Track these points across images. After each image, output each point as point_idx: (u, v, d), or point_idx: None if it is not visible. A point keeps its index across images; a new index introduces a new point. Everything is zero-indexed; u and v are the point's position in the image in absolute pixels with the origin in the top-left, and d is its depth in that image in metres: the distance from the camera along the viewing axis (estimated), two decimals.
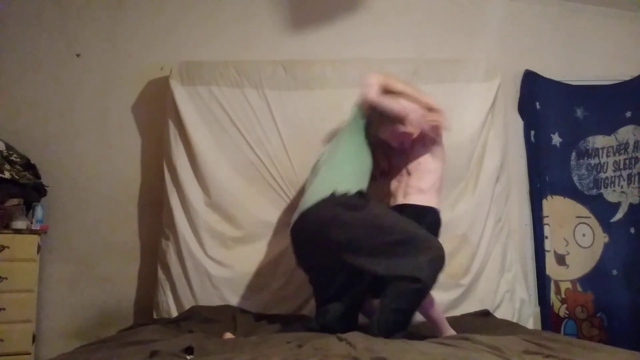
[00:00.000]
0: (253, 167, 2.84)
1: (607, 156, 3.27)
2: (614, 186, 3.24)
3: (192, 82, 2.86)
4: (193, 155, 2.80)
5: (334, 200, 2.14)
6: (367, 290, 2.32)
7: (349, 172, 2.28)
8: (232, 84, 2.88)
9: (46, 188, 2.85)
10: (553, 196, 3.18)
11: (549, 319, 3.03)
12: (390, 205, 2.45)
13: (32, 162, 2.84)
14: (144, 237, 2.97)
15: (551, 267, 3.10)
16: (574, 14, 3.37)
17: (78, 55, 3.09)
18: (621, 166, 3.26)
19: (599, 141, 3.28)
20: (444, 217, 2.48)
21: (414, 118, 2.35)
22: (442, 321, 2.27)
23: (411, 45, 3.19)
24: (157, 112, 2.98)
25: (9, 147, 2.79)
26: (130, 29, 3.12)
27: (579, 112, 3.28)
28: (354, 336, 1.75)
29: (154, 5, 3.15)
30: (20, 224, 2.64)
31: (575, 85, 3.28)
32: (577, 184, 3.24)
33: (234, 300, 2.72)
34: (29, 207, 2.76)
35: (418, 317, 2.53)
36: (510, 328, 2.38)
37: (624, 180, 3.24)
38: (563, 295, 3.11)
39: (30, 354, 2.56)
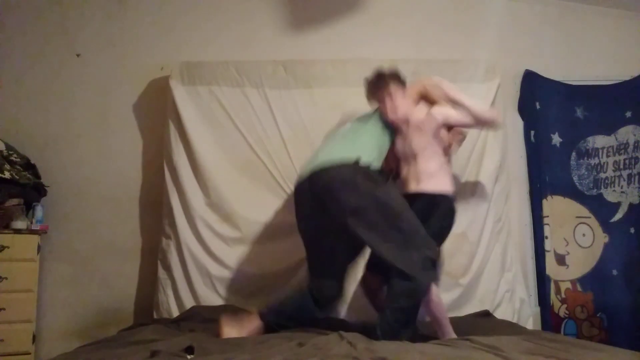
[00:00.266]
0: (253, 166, 2.84)
1: (607, 156, 3.27)
2: (614, 186, 3.24)
3: (193, 82, 2.87)
4: (193, 155, 2.80)
5: (356, 167, 2.16)
6: (380, 285, 2.34)
7: (373, 148, 2.31)
8: (233, 83, 2.88)
9: (46, 188, 2.85)
10: (553, 196, 3.18)
11: (549, 319, 3.03)
12: (404, 192, 2.41)
13: (32, 162, 2.84)
14: (144, 237, 2.97)
15: (551, 267, 3.10)
16: (574, 14, 3.37)
17: (78, 55, 3.09)
18: (621, 166, 3.26)
19: (599, 141, 3.28)
20: None
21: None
22: (445, 324, 2.27)
23: (411, 45, 3.19)
24: (157, 112, 2.98)
25: (9, 147, 2.80)
26: (130, 29, 3.12)
27: (579, 112, 3.28)
28: (355, 336, 1.75)
29: (154, 5, 3.15)
30: (20, 224, 2.64)
31: (575, 85, 3.28)
32: (577, 184, 3.24)
33: (234, 300, 2.72)
34: (29, 207, 2.76)
35: (420, 316, 2.54)
36: (510, 328, 2.39)
37: (624, 180, 3.24)
38: (563, 295, 3.11)
39: (30, 354, 2.56)
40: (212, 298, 2.72)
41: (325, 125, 2.77)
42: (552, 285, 3.09)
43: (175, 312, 2.68)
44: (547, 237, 3.12)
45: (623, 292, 3.11)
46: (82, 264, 2.91)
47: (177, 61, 2.93)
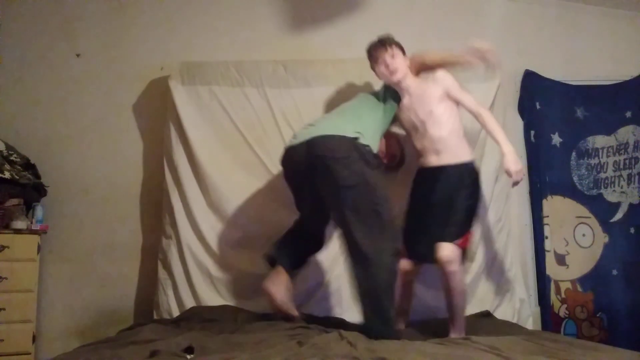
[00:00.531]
0: (254, 166, 2.84)
1: (607, 156, 3.27)
2: (614, 186, 3.24)
3: (193, 82, 2.87)
4: (193, 155, 2.80)
5: (354, 144, 2.19)
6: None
7: (373, 130, 2.34)
8: (233, 83, 2.88)
9: (46, 188, 2.85)
10: (553, 196, 3.18)
11: (549, 319, 3.04)
12: (423, 166, 2.43)
13: (32, 162, 2.84)
14: (144, 236, 2.97)
15: (551, 267, 3.10)
16: (574, 14, 3.37)
17: (78, 55, 3.08)
18: (621, 166, 3.26)
19: (599, 141, 3.28)
20: None
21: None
22: (459, 317, 2.28)
23: (411, 45, 3.16)
24: (157, 112, 2.97)
25: (9, 147, 2.79)
26: (130, 29, 3.12)
27: (579, 112, 3.28)
28: (355, 336, 1.75)
29: (154, 5, 3.15)
30: (20, 224, 2.64)
31: (575, 85, 3.28)
32: (577, 184, 3.24)
33: (235, 300, 2.72)
34: (29, 207, 2.76)
35: (421, 316, 2.55)
36: (510, 328, 2.39)
37: (624, 180, 3.25)
38: (563, 295, 3.11)
39: (30, 354, 2.56)
40: (213, 298, 2.71)
41: None
42: (552, 285, 3.09)
43: (175, 312, 2.67)
44: (547, 237, 3.12)
45: (623, 292, 3.11)
46: (82, 264, 2.91)
47: (177, 61, 2.93)
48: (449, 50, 2.46)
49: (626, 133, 3.28)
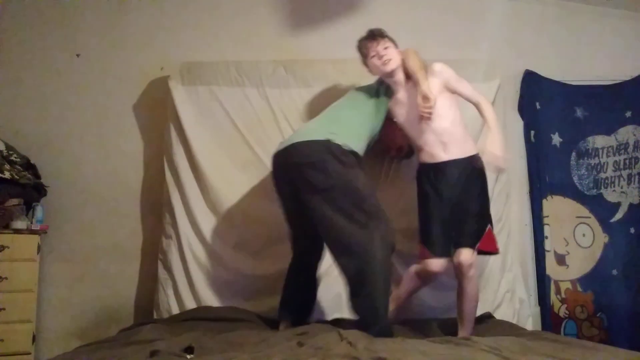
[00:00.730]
0: (253, 166, 2.84)
1: (607, 156, 3.27)
2: (614, 186, 3.24)
3: (193, 82, 2.87)
4: (194, 155, 2.80)
5: (326, 146, 2.18)
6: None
7: (353, 129, 2.32)
8: (233, 83, 2.88)
9: (46, 188, 2.85)
10: (553, 196, 3.18)
11: (549, 319, 3.03)
12: (428, 162, 2.38)
13: (32, 162, 2.84)
14: (144, 237, 2.97)
15: (551, 267, 3.10)
16: (574, 14, 3.37)
17: (78, 55, 3.09)
18: (621, 166, 3.26)
19: (599, 141, 3.28)
20: None
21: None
22: (468, 321, 2.29)
23: (411, 45, 3.18)
24: (158, 112, 2.97)
25: (9, 147, 2.79)
26: (130, 29, 3.12)
27: (579, 112, 3.28)
28: (354, 335, 1.75)
29: (154, 5, 3.15)
30: (20, 224, 2.65)
31: (575, 85, 3.28)
32: (577, 184, 3.24)
33: (235, 301, 2.71)
34: (29, 207, 2.76)
35: (420, 315, 2.54)
36: (511, 329, 2.39)
37: (624, 180, 3.24)
38: (563, 295, 3.11)
39: (30, 354, 2.56)
40: (213, 298, 2.71)
41: None
42: (552, 285, 3.09)
43: (176, 312, 2.67)
44: (547, 237, 3.12)
45: (623, 292, 3.11)
46: (82, 264, 2.91)
47: (177, 61, 2.93)
48: (424, 70, 2.39)
49: (626, 133, 3.28)
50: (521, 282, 2.98)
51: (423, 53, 3.14)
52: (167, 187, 2.82)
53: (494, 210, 2.89)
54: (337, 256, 2.14)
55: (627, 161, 3.26)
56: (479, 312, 2.70)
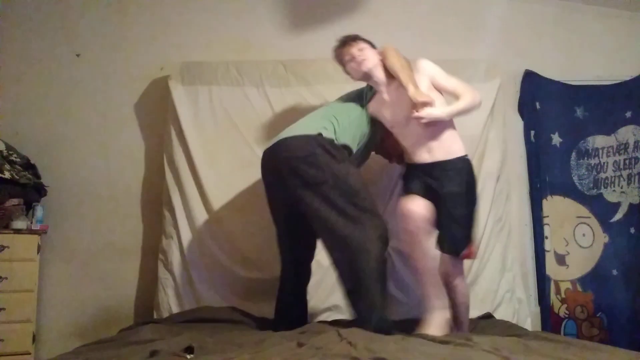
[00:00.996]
0: (254, 166, 2.84)
1: (607, 156, 3.27)
2: (614, 186, 3.24)
3: (193, 82, 2.87)
4: (194, 155, 2.80)
5: (317, 140, 2.17)
6: None
7: (344, 126, 2.29)
8: (233, 83, 2.89)
9: (46, 188, 2.85)
10: (553, 196, 3.18)
11: (549, 319, 3.04)
12: (415, 162, 2.27)
13: (32, 162, 2.84)
14: (144, 236, 2.97)
15: (551, 267, 3.10)
16: (574, 14, 3.37)
17: (78, 55, 3.09)
18: (621, 166, 3.26)
19: (599, 141, 3.28)
20: None
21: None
22: (462, 324, 2.28)
23: (411, 45, 3.18)
24: (158, 112, 2.98)
25: (9, 147, 2.79)
26: (130, 29, 3.13)
27: (579, 112, 3.28)
28: (354, 335, 1.75)
29: (154, 5, 3.15)
30: (20, 224, 2.65)
31: (575, 85, 3.28)
32: (577, 184, 3.24)
33: (235, 301, 2.71)
34: (29, 207, 2.76)
35: (420, 315, 2.53)
36: (511, 329, 2.39)
37: (624, 180, 3.24)
38: (563, 295, 3.11)
39: (30, 354, 2.56)
40: (213, 298, 2.71)
41: None
42: (552, 285, 3.09)
43: (175, 312, 2.67)
44: (547, 237, 3.12)
45: (623, 292, 3.11)
46: (82, 264, 2.91)
47: (177, 61, 2.93)
48: (406, 68, 2.27)
49: (626, 133, 3.28)
50: (521, 282, 2.98)
51: (423, 53, 3.14)
52: (167, 187, 2.82)
53: (494, 210, 2.90)
54: (331, 251, 2.13)
55: (627, 161, 3.26)
56: (479, 312, 2.71)
